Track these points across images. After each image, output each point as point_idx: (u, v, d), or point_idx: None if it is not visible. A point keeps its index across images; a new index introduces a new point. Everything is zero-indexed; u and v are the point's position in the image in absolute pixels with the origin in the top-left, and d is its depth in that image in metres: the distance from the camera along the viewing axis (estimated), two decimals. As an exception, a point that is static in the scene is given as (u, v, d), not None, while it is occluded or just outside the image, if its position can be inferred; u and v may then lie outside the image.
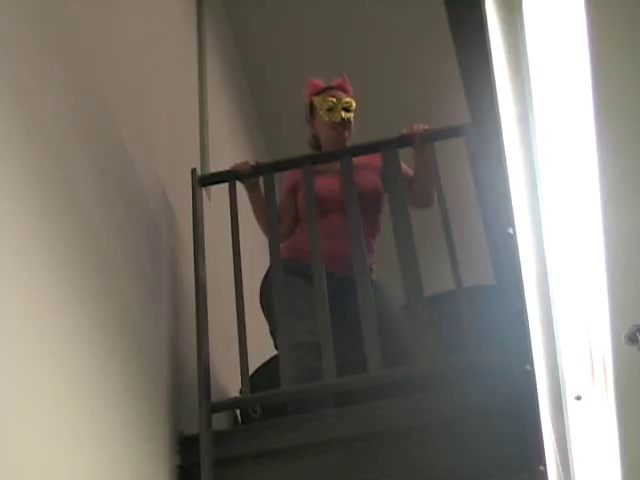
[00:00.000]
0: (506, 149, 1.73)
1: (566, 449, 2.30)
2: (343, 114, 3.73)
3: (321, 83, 3.84)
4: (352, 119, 3.75)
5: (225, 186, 3.54)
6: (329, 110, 3.74)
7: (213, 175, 3.66)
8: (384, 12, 5.68)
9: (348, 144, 3.70)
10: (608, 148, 1.48)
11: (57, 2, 2.67)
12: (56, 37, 2.61)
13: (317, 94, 3.81)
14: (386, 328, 3.18)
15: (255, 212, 3.71)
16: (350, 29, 5.86)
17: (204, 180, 3.59)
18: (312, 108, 3.83)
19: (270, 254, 3.31)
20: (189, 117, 4.29)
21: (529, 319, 2.11)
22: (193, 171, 3.55)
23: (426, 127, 3.50)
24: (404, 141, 3.49)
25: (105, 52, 3.06)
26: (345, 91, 3.82)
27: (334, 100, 3.75)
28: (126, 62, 3.30)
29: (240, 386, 3.11)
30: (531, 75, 1.53)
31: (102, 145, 2.88)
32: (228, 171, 3.61)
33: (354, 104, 3.77)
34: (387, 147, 3.46)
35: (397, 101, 6.06)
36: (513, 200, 1.82)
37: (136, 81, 3.41)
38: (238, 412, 3.64)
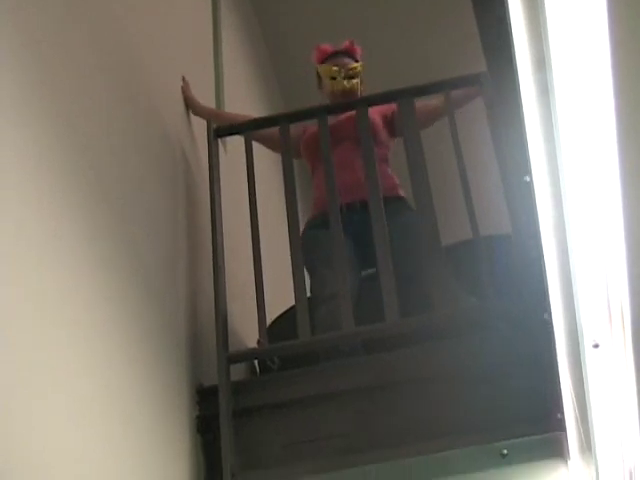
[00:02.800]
0: (523, 96, 1.71)
1: (584, 397, 2.30)
2: (346, 83, 3.70)
3: (328, 48, 3.81)
4: (358, 85, 3.73)
5: (241, 138, 3.56)
6: (332, 79, 3.73)
7: (228, 126, 3.65)
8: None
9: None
10: (627, 94, 1.46)
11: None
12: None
13: (323, 61, 3.79)
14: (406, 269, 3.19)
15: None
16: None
17: (220, 131, 3.58)
18: (319, 76, 3.82)
19: (287, 208, 3.31)
20: (204, 68, 4.27)
21: (546, 268, 2.10)
22: (209, 122, 3.55)
23: None
24: (420, 91, 3.47)
25: (123, 22, 3.04)
26: (352, 54, 3.79)
27: (337, 69, 3.73)
28: (141, 27, 3.29)
29: (258, 337, 3.13)
30: (548, 22, 1.51)
31: (120, 100, 2.87)
32: (244, 123, 3.61)
33: (360, 68, 3.75)
34: (403, 96, 3.43)
35: (412, 53, 6.02)
36: (530, 148, 1.80)
37: (151, 35, 3.39)
38: (256, 363, 3.66)
